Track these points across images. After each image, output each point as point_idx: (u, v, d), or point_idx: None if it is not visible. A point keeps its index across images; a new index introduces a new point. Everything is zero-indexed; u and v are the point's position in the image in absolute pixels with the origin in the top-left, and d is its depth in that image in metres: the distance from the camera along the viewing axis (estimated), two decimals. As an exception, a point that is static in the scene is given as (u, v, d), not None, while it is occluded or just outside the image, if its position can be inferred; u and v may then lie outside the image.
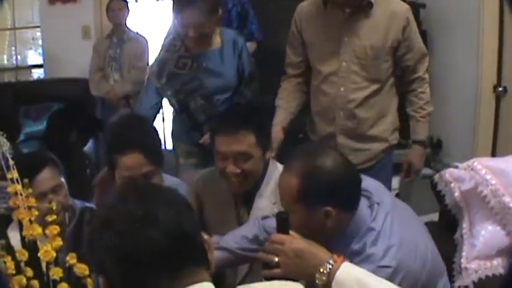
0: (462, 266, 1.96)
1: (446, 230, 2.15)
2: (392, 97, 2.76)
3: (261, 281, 1.63)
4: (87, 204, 2.27)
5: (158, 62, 3.05)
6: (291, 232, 1.62)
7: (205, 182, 2.35)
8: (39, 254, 1.36)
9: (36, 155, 2.22)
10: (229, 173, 2.09)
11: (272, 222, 1.87)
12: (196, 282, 1.08)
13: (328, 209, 1.61)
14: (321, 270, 1.49)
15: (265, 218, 2.01)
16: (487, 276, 1.94)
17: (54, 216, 1.41)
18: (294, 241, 1.59)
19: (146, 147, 2.09)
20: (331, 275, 1.47)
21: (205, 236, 1.24)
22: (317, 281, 1.49)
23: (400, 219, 1.72)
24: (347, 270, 1.46)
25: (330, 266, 1.48)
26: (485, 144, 3.84)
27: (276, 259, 1.58)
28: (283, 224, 1.63)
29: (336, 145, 2.65)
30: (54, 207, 1.97)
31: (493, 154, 3.77)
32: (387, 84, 2.70)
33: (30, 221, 1.37)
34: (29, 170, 1.98)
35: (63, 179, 2.12)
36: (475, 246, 1.99)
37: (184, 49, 2.96)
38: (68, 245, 1.59)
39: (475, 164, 2.07)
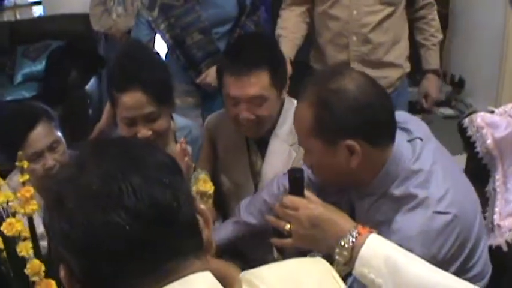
0: (495, 223, 1.76)
1: (474, 180, 1.95)
2: (404, 22, 2.71)
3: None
4: None
5: None
6: (307, 194, 1.37)
7: (216, 124, 2.14)
8: (1, 228, 1.15)
9: (26, 108, 1.97)
10: (243, 120, 1.87)
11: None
12: (183, 276, 0.80)
13: (350, 142, 1.35)
14: (342, 243, 1.24)
15: (283, 175, 1.77)
16: (522, 236, 1.75)
17: (27, 176, 1.20)
18: (310, 206, 1.34)
19: (149, 84, 1.77)
20: (354, 250, 1.22)
21: (201, 206, 0.96)
22: (337, 257, 1.24)
23: (447, 158, 1.49)
24: (374, 245, 1.20)
25: (353, 239, 1.23)
26: (510, 85, 3.62)
27: (288, 226, 1.35)
28: (296, 183, 1.38)
29: None
30: (51, 165, 1.81)
31: (520, 96, 3.56)
32: (400, 7, 2.62)
33: None
34: (19, 127, 1.81)
35: (59, 133, 1.90)
36: (509, 202, 1.79)
37: None
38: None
39: (513, 109, 1.85)
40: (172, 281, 0.79)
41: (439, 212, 1.35)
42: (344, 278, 1.35)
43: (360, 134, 1.36)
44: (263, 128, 1.93)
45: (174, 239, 0.80)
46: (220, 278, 0.84)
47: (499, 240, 1.74)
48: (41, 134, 1.83)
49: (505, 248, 1.71)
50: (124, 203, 0.77)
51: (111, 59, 4.03)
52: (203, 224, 0.91)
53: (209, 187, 1.76)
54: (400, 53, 2.69)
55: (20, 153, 1.23)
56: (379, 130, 1.39)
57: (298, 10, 2.65)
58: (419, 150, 1.43)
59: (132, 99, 1.77)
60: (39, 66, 4.62)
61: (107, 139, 1.26)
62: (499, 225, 1.77)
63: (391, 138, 1.42)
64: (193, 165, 1.78)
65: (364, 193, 1.48)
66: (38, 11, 5.54)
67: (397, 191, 1.40)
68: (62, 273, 0.83)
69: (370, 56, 2.60)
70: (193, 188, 1.76)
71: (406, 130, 1.48)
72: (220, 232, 1.86)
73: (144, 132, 1.79)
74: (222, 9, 2.73)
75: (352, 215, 1.44)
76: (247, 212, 1.85)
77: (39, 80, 4.59)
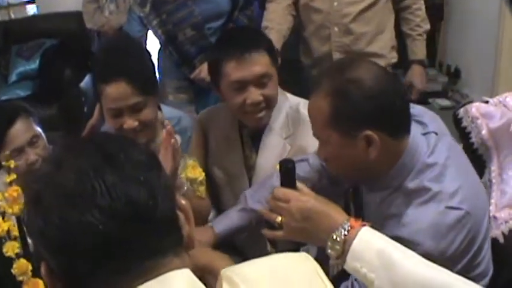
0: (491, 214, 1.73)
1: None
2: (388, 13, 2.70)
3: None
4: None
5: None
6: (299, 185, 1.35)
7: (208, 118, 2.12)
8: None
9: (3, 106, 2.01)
10: (252, 103, 1.84)
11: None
12: (161, 274, 0.78)
13: (368, 133, 1.32)
14: (334, 237, 1.21)
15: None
16: (518, 227, 1.72)
17: (14, 176, 1.18)
18: (302, 198, 1.31)
19: (133, 74, 1.75)
20: (346, 243, 1.19)
21: (182, 201, 0.93)
22: (329, 250, 1.22)
23: (460, 155, 1.47)
24: (366, 239, 1.17)
25: (346, 232, 1.20)
26: (507, 75, 3.61)
27: (279, 219, 1.32)
28: (288, 175, 1.35)
29: None
30: (33, 160, 1.80)
31: (516, 85, 3.53)
32: None
33: None
34: None
35: (39, 129, 1.90)
36: (505, 193, 1.77)
37: None
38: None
39: (508, 99, 1.83)
40: (150, 278, 0.77)
41: (452, 207, 1.33)
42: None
43: (378, 123, 1.34)
44: (269, 111, 1.91)
45: (151, 237, 0.79)
46: (207, 272, 0.82)
47: (495, 232, 1.71)
48: (21, 130, 1.84)
49: (501, 240, 1.69)
50: (97, 202, 0.75)
51: (96, 52, 4.04)
52: (184, 220, 0.89)
53: (198, 173, 1.75)
54: (384, 44, 2.69)
55: (7, 153, 1.21)
56: (396, 118, 1.38)
57: (284, 3, 2.66)
58: (433, 144, 1.42)
59: (117, 90, 1.75)
60: (33, 65, 4.61)
61: (83, 137, 1.24)
62: (495, 217, 1.74)
63: (407, 128, 1.40)
64: (180, 150, 1.76)
65: (377, 186, 1.46)
66: (31, 10, 5.51)
67: (411, 184, 1.38)
68: (43, 270, 0.82)
69: (352, 47, 2.61)
70: (182, 175, 1.74)
71: (421, 123, 1.47)
72: (224, 221, 1.83)
73: (130, 123, 1.77)
74: (215, 4, 2.71)
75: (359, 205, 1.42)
76: (253, 200, 1.81)
77: (33, 79, 4.57)
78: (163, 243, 0.80)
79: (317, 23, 2.64)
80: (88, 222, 0.75)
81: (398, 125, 1.38)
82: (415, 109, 1.47)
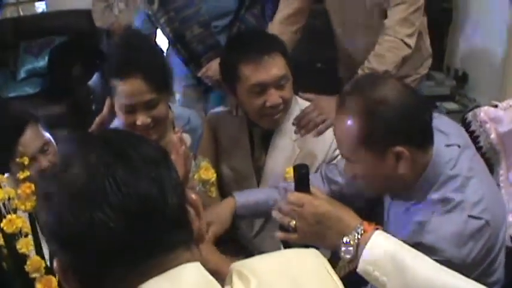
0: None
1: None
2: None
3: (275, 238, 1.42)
4: None
5: None
6: (313, 190, 1.37)
7: (217, 119, 2.14)
8: (1, 225, 1.14)
9: (11, 114, 1.92)
10: (272, 105, 1.86)
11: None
12: (171, 268, 0.79)
13: (399, 149, 1.35)
14: (347, 240, 1.24)
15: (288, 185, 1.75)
16: (526, 231, 1.73)
17: (27, 173, 1.18)
18: (315, 203, 1.33)
19: (148, 70, 1.76)
20: (359, 247, 1.22)
21: (193, 196, 0.94)
22: (342, 253, 1.24)
23: (482, 168, 1.50)
24: (379, 243, 1.20)
25: (359, 236, 1.23)
26: (515, 79, 3.60)
27: (293, 222, 1.34)
28: (302, 179, 1.36)
29: None
30: (45, 168, 1.77)
31: (524, 90, 3.53)
32: None
33: None
34: (8, 135, 1.76)
35: (48, 134, 1.87)
36: (513, 197, 1.78)
37: None
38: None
39: (517, 103, 1.84)
40: (161, 272, 0.78)
41: (474, 217, 1.36)
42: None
43: (407, 138, 1.36)
44: (285, 112, 1.92)
45: (162, 232, 0.80)
46: (212, 273, 0.83)
47: (503, 235, 1.74)
48: (31, 138, 1.80)
49: (509, 244, 1.70)
50: (109, 199, 0.76)
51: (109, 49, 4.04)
52: (194, 214, 0.90)
53: (211, 175, 1.76)
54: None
55: (20, 148, 1.21)
56: (423, 132, 1.41)
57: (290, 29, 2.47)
58: (456, 157, 1.44)
59: (132, 86, 1.77)
60: (42, 62, 4.62)
61: (91, 133, 1.25)
62: (502, 221, 1.76)
63: (432, 139, 1.42)
64: (192, 153, 1.77)
65: (402, 197, 1.49)
66: (40, 7, 5.53)
67: (435, 195, 1.41)
68: (56, 266, 0.83)
69: None
70: (195, 176, 1.76)
71: (445, 134, 1.49)
72: (246, 193, 1.85)
73: (143, 119, 1.78)
74: (222, 2, 2.70)
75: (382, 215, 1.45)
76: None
77: (42, 76, 4.58)
78: (174, 238, 0.81)
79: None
80: (99, 220, 0.76)
81: (424, 137, 1.41)
82: (441, 119, 1.51)
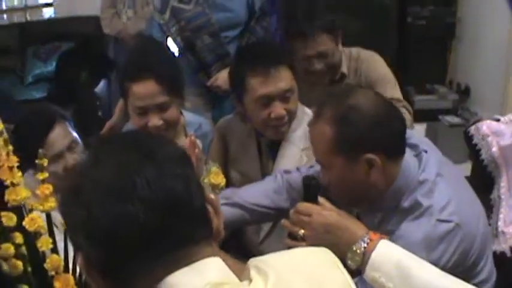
0: (499, 229, 1.79)
1: (479, 188, 1.97)
2: None
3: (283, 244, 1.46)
4: None
5: None
6: (321, 200, 1.42)
7: (227, 127, 2.18)
8: (23, 223, 1.17)
9: (42, 111, 1.98)
10: (277, 117, 1.90)
11: (297, 177, 1.68)
12: (195, 261, 0.84)
13: (371, 156, 1.39)
14: (354, 249, 1.29)
15: (287, 172, 1.81)
16: (525, 243, 1.77)
17: (46, 174, 1.22)
18: (324, 213, 1.39)
19: (161, 74, 1.83)
20: (365, 255, 1.27)
21: (211, 196, 0.99)
22: (349, 261, 1.29)
23: (451, 170, 1.53)
24: (384, 251, 1.26)
25: (365, 245, 1.29)
26: (516, 94, 3.64)
27: (302, 231, 1.39)
28: (311, 190, 1.43)
29: None
30: (71, 165, 1.80)
31: (525, 105, 3.58)
32: None
33: (13, 184, 1.17)
34: (38, 130, 1.81)
35: (75, 134, 1.90)
36: (514, 209, 1.82)
37: None
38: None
39: (518, 117, 1.88)
40: (185, 265, 0.83)
41: (442, 220, 1.39)
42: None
43: (379, 146, 1.40)
44: (290, 123, 1.96)
45: (186, 227, 0.84)
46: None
47: (503, 246, 1.77)
48: (60, 135, 1.83)
49: (509, 254, 1.75)
50: (138, 193, 0.81)
51: (124, 55, 4.08)
52: (212, 213, 0.94)
53: (221, 179, 1.79)
54: None
55: (40, 150, 1.25)
56: (395, 140, 1.44)
57: None
58: (424, 162, 1.47)
59: (145, 88, 1.83)
60: (50, 67, 4.64)
61: (119, 133, 1.30)
62: (503, 232, 1.79)
63: (403, 149, 1.46)
64: (204, 158, 1.81)
65: (375, 208, 1.52)
66: (47, 12, 5.58)
67: (406, 203, 1.44)
68: (80, 261, 0.87)
69: None
70: (205, 180, 1.79)
71: (411, 146, 1.52)
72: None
73: (155, 121, 1.84)
74: (232, 13, 2.76)
75: None
76: (240, 196, 1.80)
77: (49, 81, 4.61)
78: (197, 233, 0.86)
79: None
80: (129, 213, 0.80)
81: (396, 146, 1.45)
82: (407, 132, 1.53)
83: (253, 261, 0.89)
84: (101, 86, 4.54)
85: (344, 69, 2.45)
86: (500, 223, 1.81)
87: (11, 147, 1.19)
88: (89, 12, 4.73)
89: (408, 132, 1.55)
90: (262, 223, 1.95)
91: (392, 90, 2.44)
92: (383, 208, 1.49)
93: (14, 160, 1.18)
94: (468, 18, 4.19)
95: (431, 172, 1.46)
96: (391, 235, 1.41)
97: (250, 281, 0.85)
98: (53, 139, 1.81)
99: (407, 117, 2.38)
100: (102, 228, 0.81)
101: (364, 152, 1.40)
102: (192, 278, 0.82)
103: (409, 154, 1.49)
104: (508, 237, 1.78)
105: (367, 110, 1.41)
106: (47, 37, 4.79)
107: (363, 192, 1.46)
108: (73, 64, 4.56)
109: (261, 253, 0.93)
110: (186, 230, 0.84)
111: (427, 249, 1.36)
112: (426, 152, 1.50)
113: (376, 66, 2.48)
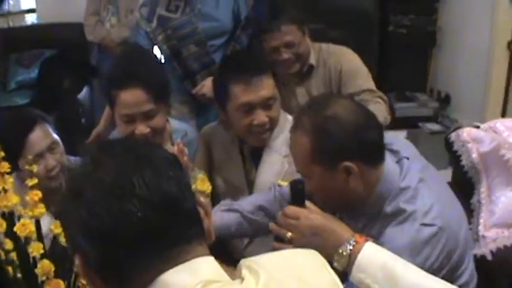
0: (480, 233, 1.83)
1: (460, 193, 2.02)
2: None
3: (269, 248, 1.49)
4: None
5: (147, 4, 2.84)
6: (308, 204, 1.45)
7: (211, 134, 2.21)
8: (15, 229, 1.19)
9: (22, 113, 2.03)
10: (259, 125, 1.94)
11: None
12: (189, 259, 0.88)
13: (348, 164, 1.42)
14: (340, 251, 1.32)
15: (280, 185, 1.84)
16: (505, 246, 1.81)
17: (35, 180, 1.23)
18: (311, 216, 1.42)
19: (148, 82, 1.84)
20: (351, 257, 1.30)
21: (201, 199, 1.02)
22: (335, 263, 1.32)
23: (433, 175, 1.57)
24: (370, 253, 1.29)
25: (351, 247, 1.32)
26: (496, 101, 3.72)
27: (289, 234, 1.42)
28: (298, 194, 1.46)
29: None
30: (52, 166, 1.84)
31: (504, 112, 3.65)
32: None
33: (5, 190, 1.19)
34: (18, 131, 1.84)
35: (56, 136, 1.94)
36: (494, 213, 1.86)
37: None
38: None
39: (498, 125, 1.93)
40: (179, 263, 0.87)
41: (426, 224, 1.42)
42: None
43: (356, 154, 1.43)
44: (272, 131, 1.99)
45: (181, 226, 0.89)
46: None
47: (483, 250, 1.81)
48: (40, 136, 1.86)
49: (489, 258, 1.78)
50: (137, 193, 0.86)
51: (107, 62, 4.09)
52: (203, 214, 0.98)
53: (207, 186, 1.82)
54: None
55: (29, 157, 1.27)
56: (372, 148, 1.47)
57: None
58: (406, 169, 1.51)
59: (132, 96, 1.84)
60: (33, 73, 4.61)
61: (117, 139, 1.35)
62: (483, 236, 1.83)
63: (382, 156, 1.49)
64: (191, 165, 1.83)
65: (358, 214, 1.54)
66: (31, 18, 5.54)
67: (388, 209, 1.48)
68: (78, 261, 0.90)
69: None
70: (193, 187, 1.82)
71: (393, 152, 1.56)
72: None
73: (142, 128, 1.85)
74: (218, 22, 2.79)
75: None
76: (238, 204, 1.89)
77: (32, 88, 4.58)
78: (190, 232, 0.90)
79: None
80: (129, 211, 0.85)
81: (373, 154, 1.48)
82: (387, 138, 1.56)
83: (245, 262, 0.93)
84: (83, 93, 4.52)
85: (312, 61, 2.53)
86: (480, 227, 1.84)
87: (2, 154, 1.20)
88: (72, 19, 4.68)
89: (390, 138, 1.59)
90: (258, 233, 1.97)
91: (365, 81, 2.51)
92: (365, 213, 1.52)
93: (6, 166, 1.19)
94: (449, 27, 4.25)
95: (413, 179, 1.49)
96: (375, 240, 1.44)
97: (242, 279, 0.88)
98: (33, 140, 1.84)
99: (383, 107, 2.45)
100: (103, 227, 0.85)
101: (341, 160, 1.43)
102: (185, 276, 0.86)
103: (390, 160, 1.52)
104: (489, 241, 1.82)
105: (345, 120, 1.44)
106: (30, 43, 4.75)
107: (344, 198, 1.49)
108: (56, 71, 4.52)
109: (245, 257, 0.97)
110: (180, 228, 0.88)
111: (413, 253, 1.39)
112: (408, 159, 1.53)
113: (346, 58, 2.56)
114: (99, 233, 0.86)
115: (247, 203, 1.86)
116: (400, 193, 1.48)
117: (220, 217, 1.81)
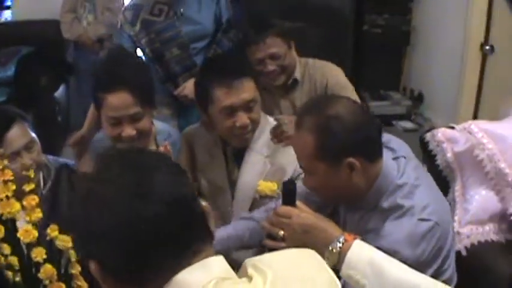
0: (455, 230, 1.91)
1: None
2: None
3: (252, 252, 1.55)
4: (62, 161, 2.07)
5: (131, 8, 2.88)
6: (299, 204, 1.52)
7: (193, 135, 2.24)
8: (18, 235, 1.21)
9: (0, 111, 2.01)
10: (241, 126, 1.98)
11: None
12: (203, 258, 0.94)
13: (351, 160, 1.50)
14: (330, 248, 1.40)
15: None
16: (479, 242, 1.90)
17: (33, 186, 1.25)
18: (302, 215, 1.50)
19: (135, 85, 1.86)
20: (341, 255, 1.38)
21: (203, 203, 1.08)
22: (326, 261, 1.36)
23: (425, 174, 1.65)
24: (358, 250, 1.37)
25: (340, 245, 1.39)
26: (468, 101, 3.79)
27: (281, 233, 1.49)
28: (289, 195, 1.52)
29: None
30: (28, 164, 1.84)
31: (476, 111, 3.73)
32: None
33: (7, 197, 1.21)
34: None
35: (34, 134, 1.94)
36: (468, 211, 1.95)
37: None
38: (44, 210, 1.39)
39: (472, 126, 2.01)
40: (193, 263, 0.92)
41: (423, 219, 1.51)
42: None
43: (358, 151, 1.51)
44: (254, 132, 2.04)
45: (194, 227, 0.95)
46: None
47: (458, 246, 1.89)
48: (17, 134, 1.85)
49: (464, 253, 1.88)
50: (153, 198, 0.90)
51: (84, 60, 4.08)
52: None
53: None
54: None
55: (1, 150, 1.27)
56: (372, 145, 1.56)
57: None
58: (403, 167, 1.59)
59: (119, 99, 1.86)
60: (9, 71, 4.56)
61: (125, 147, 1.39)
62: (458, 232, 1.92)
63: (381, 152, 1.58)
64: None
65: (356, 207, 1.63)
66: (6, 15, 5.46)
67: (385, 204, 1.56)
68: (93, 268, 0.94)
69: None
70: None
71: (390, 149, 1.64)
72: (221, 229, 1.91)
73: (129, 131, 1.88)
74: (201, 26, 2.84)
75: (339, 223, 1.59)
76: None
77: (9, 85, 4.54)
78: (202, 233, 0.96)
79: None
80: (140, 210, 0.89)
81: (373, 150, 1.57)
82: (384, 137, 1.65)
83: (250, 261, 0.99)
84: (60, 91, 4.52)
85: (297, 75, 2.58)
86: (455, 224, 1.93)
87: (5, 162, 1.22)
88: (48, 16, 4.66)
89: (387, 136, 1.68)
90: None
91: (350, 96, 2.55)
92: (363, 207, 1.60)
93: (9, 174, 1.21)
94: (423, 26, 4.30)
95: (411, 176, 1.58)
96: (372, 234, 1.53)
97: (250, 278, 0.94)
98: (11, 137, 1.84)
99: None
100: (117, 226, 0.89)
101: (345, 157, 1.51)
102: (199, 274, 0.92)
103: (387, 156, 1.60)
104: (463, 237, 1.90)
105: (347, 119, 1.51)
106: (6, 41, 4.68)
107: (346, 193, 1.57)
108: (32, 68, 4.49)
109: (235, 261, 1.02)
110: (194, 229, 0.94)
111: (410, 247, 1.48)
112: (405, 158, 1.62)
113: (332, 73, 2.61)
114: (124, 237, 0.89)
115: (260, 210, 1.91)
116: (397, 189, 1.56)
117: (232, 226, 1.90)
